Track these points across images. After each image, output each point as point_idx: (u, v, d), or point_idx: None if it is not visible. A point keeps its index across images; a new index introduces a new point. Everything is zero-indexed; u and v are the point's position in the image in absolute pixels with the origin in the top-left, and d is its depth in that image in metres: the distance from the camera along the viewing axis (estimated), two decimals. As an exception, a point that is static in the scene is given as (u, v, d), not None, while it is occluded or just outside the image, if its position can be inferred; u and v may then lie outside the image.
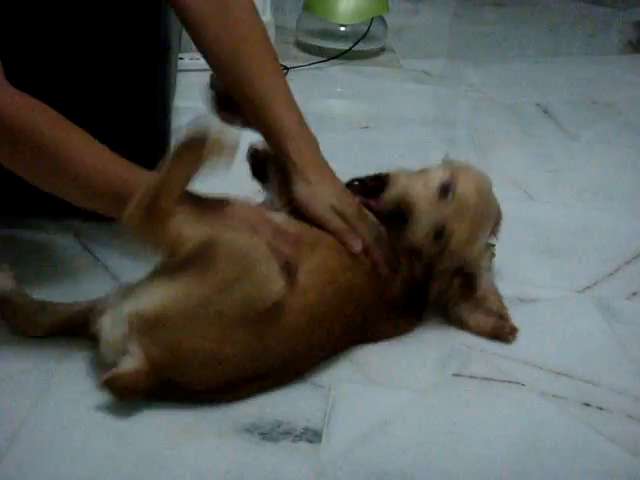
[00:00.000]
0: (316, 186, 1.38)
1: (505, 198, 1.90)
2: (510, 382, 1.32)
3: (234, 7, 1.41)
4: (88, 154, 1.22)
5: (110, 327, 1.20)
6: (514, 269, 1.63)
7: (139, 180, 1.18)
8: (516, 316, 1.48)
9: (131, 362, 1.17)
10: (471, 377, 1.33)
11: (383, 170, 1.46)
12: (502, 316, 1.43)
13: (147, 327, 1.17)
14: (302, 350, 1.26)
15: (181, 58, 2.32)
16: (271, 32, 2.72)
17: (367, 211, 1.41)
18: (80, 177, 1.21)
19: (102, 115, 1.52)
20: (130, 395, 1.19)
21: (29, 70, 1.42)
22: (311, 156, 1.41)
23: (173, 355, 1.17)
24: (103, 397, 1.22)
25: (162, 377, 1.18)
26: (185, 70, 2.31)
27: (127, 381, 1.17)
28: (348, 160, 1.78)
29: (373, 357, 1.36)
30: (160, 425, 1.19)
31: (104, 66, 1.51)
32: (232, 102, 1.42)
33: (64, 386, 1.25)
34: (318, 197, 1.37)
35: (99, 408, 1.21)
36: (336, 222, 1.35)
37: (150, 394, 1.20)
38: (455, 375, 1.33)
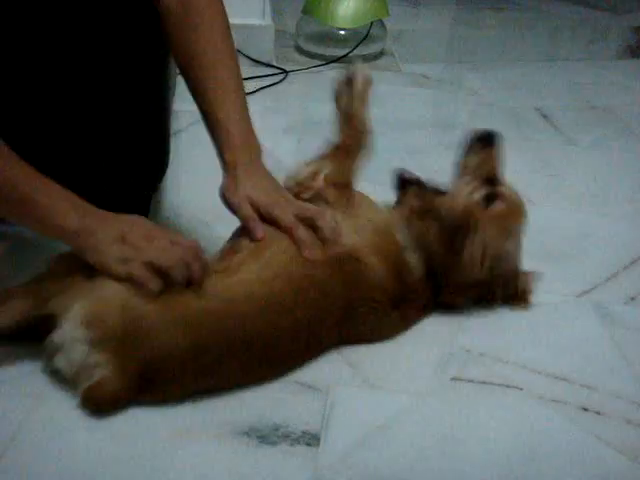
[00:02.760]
0: (238, 181, 1.39)
1: (504, 202, 1.91)
2: (508, 386, 1.32)
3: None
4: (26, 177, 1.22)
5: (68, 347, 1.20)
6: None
7: (58, 202, 1.22)
8: (514, 320, 1.49)
9: (101, 370, 1.18)
10: (469, 381, 1.33)
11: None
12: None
13: (107, 332, 1.18)
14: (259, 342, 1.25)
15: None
16: (270, 36, 2.72)
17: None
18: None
19: (101, 119, 1.52)
20: (111, 404, 1.19)
21: (25, 75, 1.42)
22: (248, 164, 1.42)
23: (139, 348, 1.18)
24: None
25: (134, 375, 1.18)
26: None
27: (105, 390, 1.18)
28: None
29: (372, 360, 1.36)
30: (158, 428, 1.19)
31: (103, 70, 1.50)
32: None
33: (62, 389, 1.25)
34: (236, 189, 1.39)
35: (97, 412, 1.21)
36: (245, 210, 1.37)
37: (128, 399, 1.20)
38: (453, 379, 1.33)
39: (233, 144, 1.41)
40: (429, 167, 2.06)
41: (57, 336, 1.20)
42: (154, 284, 1.22)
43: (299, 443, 1.18)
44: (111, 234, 1.24)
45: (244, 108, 1.46)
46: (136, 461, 1.13)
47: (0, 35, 1.40)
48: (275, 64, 2.69)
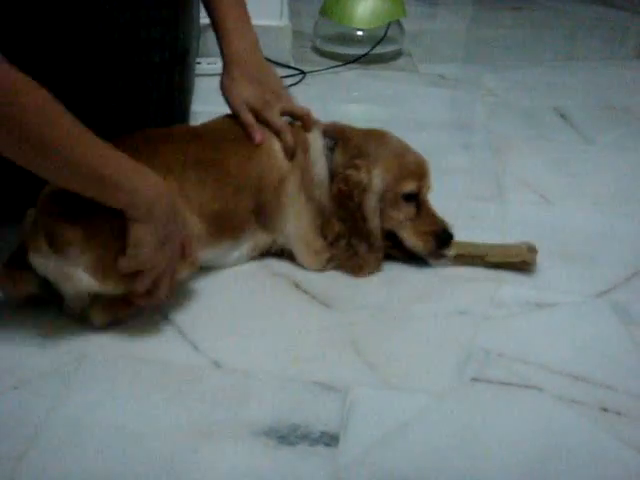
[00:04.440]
0: (236, 82, 1.60)
1: (521, 202, 1.91)
2: (527, 387, 1.31)
3: None
4: (75, 138, 1.22)
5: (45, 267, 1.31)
6: (531, 274, 1.62)
7: (121, 166, 1.27)
8: (533, 320, 1.48)
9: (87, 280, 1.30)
10: (489, 381, 1.32)
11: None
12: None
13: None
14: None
15: (198, 62, 2.33)
16: (288, 37, 2.72)
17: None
18: (66, 161, 1.22)
19: (121, 119, 1.52)
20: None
21: (41, 69, 1.43)
22: (242, 53, 1.62)
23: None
24: (121, 400, 1.23)
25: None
26: (202, 75, 2.32)
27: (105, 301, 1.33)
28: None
29: (390, 361, 1.36)
30: (177, 429, 1.19)
31: (123, 70, 1.51)
32: None
33: (82, 389, 1.25)
34: (234, 92, 1.60)
35: (116, 411, 1.21)
36: (244, 115, 1.57)
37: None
38: (473, 379, 1.32)
39: (228, 38, 1.61)
40: (447, 166, 2.06)
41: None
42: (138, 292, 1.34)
43: (318, 443, 1.18)
44: (161, 230, 1.30)
45: (241, 7, 1.65)
46: (155, 461, 1.13)
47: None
48: (293, 65, 2.69)
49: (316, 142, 1.60)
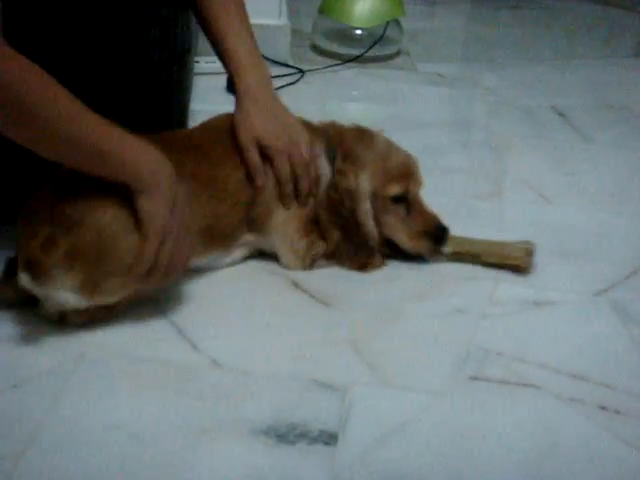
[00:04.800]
0: (248, 116, 1.53)
1: (520, 201, 1.91)
2: (526, 385, 1.31)
3: None
4: (74, 115, 1.24)
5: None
6: (534, 274, 1.62)
7: (122, 139, 1.29)
8: (532, 319, 1.48)
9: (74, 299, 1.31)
10: (487, 380, 1.32)
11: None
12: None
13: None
14: None
15: (197, 61, 2.32)
16: (287, 36, 2.72)
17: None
18: (67, 138, 1.24)
19: (119, 118, 1.52)
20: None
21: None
22: (256, 86, 1.55)
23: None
24: (120, 399, 1.23)
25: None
26: (201, 73, 2.32)
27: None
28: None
29: (388, 359, 1.36)
30: (176, 428, 1.19)
31: (122, 69, 1.51)
32: None
33: (81, 388, 1.25)
34: (244, 126, 1.52)
35: (115, 410, 1.21)
36: (252, 156, 1.51)
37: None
38: (471, 378, 1.33)
39: (242, 70, 1.55)
40: (446, 165, 2.06)
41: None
42: (140, 269, 1.32)
43: (317, 442, 1.18)
44: (170, 193, 1.31)
45: (251, 38, 1.59)
46: (154, 460, 1.13)
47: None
48: (291, 64, 2.69)
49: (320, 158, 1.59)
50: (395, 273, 1.60)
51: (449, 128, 2.36)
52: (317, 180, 1.57)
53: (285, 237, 1.57)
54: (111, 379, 1.28)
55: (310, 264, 1.59)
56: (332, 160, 1.59)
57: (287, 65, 2.67)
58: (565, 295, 1.55)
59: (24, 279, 1.27)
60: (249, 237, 1.56)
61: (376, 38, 2.81)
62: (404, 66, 2.84)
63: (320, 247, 1.58)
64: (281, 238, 1.57)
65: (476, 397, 1.29)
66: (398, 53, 2.91)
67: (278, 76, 2.52)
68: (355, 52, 2.81)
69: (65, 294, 1.29)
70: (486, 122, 2.40)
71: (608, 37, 3.43)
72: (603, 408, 1.28)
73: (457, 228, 1.64)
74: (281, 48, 2.70)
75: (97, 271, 1.30)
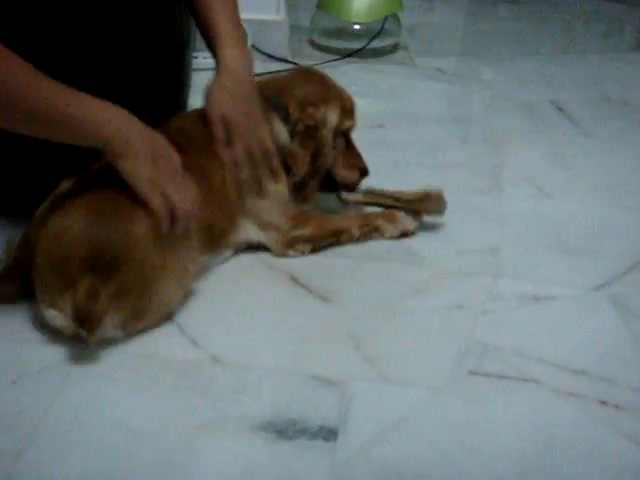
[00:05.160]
0: (222, 92, 1.54)
1: (519, 195, 1.91)
2: (526, 380, 1.31)
3: None
4: (38, 87, 1.26)
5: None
6: (529, 267, 1.62)
7: (85, 103, 1.30)
8: (531, 314, 1.48)
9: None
10: (486, 375, 1.32)
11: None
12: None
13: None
14: None
15: (195, 57, 2.32)
16: (285, 31, 2.72)
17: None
18: (30, 108, 1.26)
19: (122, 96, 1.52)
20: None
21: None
22: (232, 60, 1.55)
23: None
24: (119, 395, 1.23)
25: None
26: (199, 69, 2.31)
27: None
28: (365, 159, 1.78)
29: (388, 354, 1.36)
30: (176, 423, 1.19)
31: (119, 64, 1.50)
32: None
33: (81, 384, 1.25)
34: (215, 101, 1.55)
35: (115, 406, 1.21)
36: (219, 131, 1.53)
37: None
38: (471, 373, 1.32)
39: (221, 43, 1.56)
40: (444, 160, 2.06)
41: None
42: (165, 226, 1.34)
43: (316, 438, 1.18)
44: (146, 148, 1.33)
45: (234, 13, 1.60)
46: (154, 456, 1.13)
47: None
48: (290, 59, 2.68)
49: (275, 123, 1.63)
50: (393, 269, 1.60)
51: (448, 123, 2.35)
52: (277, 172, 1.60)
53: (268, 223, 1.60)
54: (110, 375, 1.28)
55: (292, 244, 1.61)
56: (285, 118, 1.63)
57: (286, 60, 2.66)
58: (564, 290, 1.55)
59: (72, 327, 1.27)
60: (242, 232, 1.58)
61: (375, 33, 2.81)
62: (403, 61, 2.83)
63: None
64: (264, 225, 1.60)
65: (475, 392, 1.29)
66: (396, 48, 2.90)
67: (277, 71, 2.52)
68: (354, 47, 2.80)
69: (111, 331, 1.30)
70: (485, 117, 2.40)
71: (607, 31, 3.42)
72: (603, 403, 1.28)
73: (456, 223, 1.64)
74: (279, 43, 2.70)
75: (142, 302, 1.31)
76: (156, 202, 1.32)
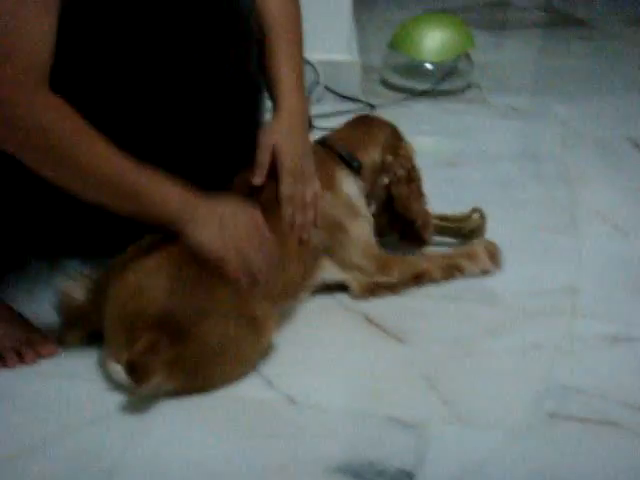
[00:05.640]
0: (279, 123, 1.54)
1: (596, 234, 1.88)
2: (608, 423, 1.29)
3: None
4: (108, 161, 1.28)
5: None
6: (608, 307, 1.60)
7: (161, 186, 1.31)
8: (611, 355, 1.45)
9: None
10: (567, 418, 1.30)
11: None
12: None
13: None
14: None
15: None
16: (357, 71, 2.73)
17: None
18: (96, 179, 1.28)
19: (199, 147, 1.54)
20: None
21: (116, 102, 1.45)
22: (290, 113, 1.55)
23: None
24: (196, 437, 1.23)
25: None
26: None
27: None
28: (436, 197, 1.77)
29: (464, 396, 1.34)
30: (253, 464, 1.19)
31: (198, 105, 1.52)
32: None
33: (158, 425, 1.26)
34: (271, 131, 1.53)
35: (192, 447, 1.22)
36: (263, 156, 1.51)
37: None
38: (550, 415, 1.30)
39: (284, 97, 1.56)
40: (518, 198, 2.04)
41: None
42: (244, 281, 1.33)
43: (394, 480, 1.17)
44: (213, 214, 1.33)
45: (300, 78, 1.60)
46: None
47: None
48: (362, 99, 2.70)
49: (344, 177, 1.63)
50: (470, 308, 1.58)
51: (521, 161, 2.34)
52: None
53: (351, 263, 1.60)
54: (187, 416, 1.28)
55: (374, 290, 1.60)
56: (358, 170, 1.65)
57: (358, 100, 2.68)
58: (645, 330, 1.52)
59: (121, 377, 1.27)
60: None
61: (446, 71, 2.81)
62: (475, 99, 2.82)
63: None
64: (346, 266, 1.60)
65: (556, 435, 1.26)
66: (469, 86, 2.90)
67: (349, 111, 2.53)
68: (425, 86, 2.80)
69: (161, 391, 1.29)
70: (559, 154, 2.37)
71: (682, 67, 3.38)
72: (688, 447, 1.24)
73: (532, 262, 1.61)
74: (351, 83, 2.71)
75: (197, 379, 1.31)
76: (232, 264, 1.32)
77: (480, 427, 1.28)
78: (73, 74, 1.38)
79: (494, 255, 1.69)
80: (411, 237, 1.70)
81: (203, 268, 1.32)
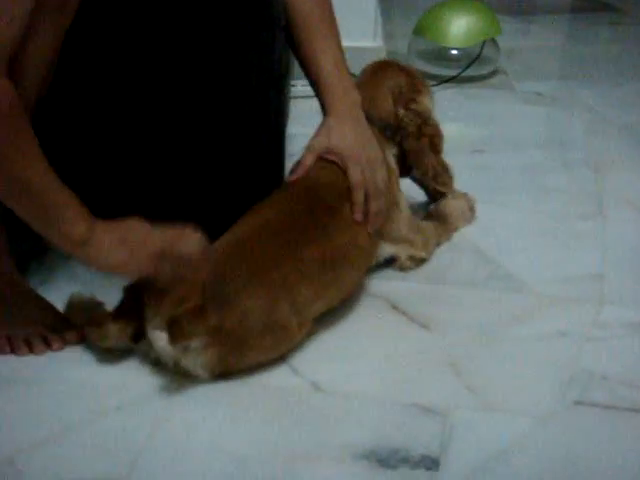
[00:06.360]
0: (329, 131, 1.54)
1: (623, 220, 1.87)
2: (635, 410, 1.28)
3: None
4: (37, 174, 1.22)
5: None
6: (635, 294, 1.59)
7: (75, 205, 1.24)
8: (638, 342, 1.44)
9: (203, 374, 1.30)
10: (592, 405, 1.29)
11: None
12: None
13: None
14: None
15: (293, 85, 2.34)
16: (382, 58, 2.72)
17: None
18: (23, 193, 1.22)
19: (216, 143, 1.54)
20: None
21: (139, 97, 1.46)
22: (342, 108, 1.55)
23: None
24: (221, 422, 1.24)
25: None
26: (298, 97, 2.33)
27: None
28: (463, 183, 1.77)
29: (489, 383, 1.34)
30: (277, 451, 1.19)
31: (219, 93, 1.52)
32: None
33: (183, 410, 1.27)
34: (321, 137, 1.54)
35: (216, 433, 1.22)
36: (307, 158, 1.53)
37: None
38: (576, 402, 1.30)
39: (331, 94, 1.55)
40: (545, 185, 2.03)
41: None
42: (164, 271, 1.28)
43: (419, 467, 1.16)
44: (113, 239, 1.26)
45: (342, 61, 1.59)
46: (256, 483, 1.14)
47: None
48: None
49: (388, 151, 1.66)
50: (495, 295, 1.58)
51: (548, 147, 2.32)
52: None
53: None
54: (212, 401, 1.29)
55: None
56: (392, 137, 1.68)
57: (382, 87, 2.67)
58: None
59: (159, 337, 1.26)
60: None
61: (472, 57, 2.79)
62: (501, 85, 2.81)
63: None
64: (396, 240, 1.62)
65: (581, 422, 1.26)
66: (495, 72, 2.88)
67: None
68: (451, 72, 2.79)
69: (195, 367, 1.28)
70: (586, 140, 2.36)
71: None
72: None
73: (558, 248, 1.60)
74: (376, 70, 2.70)
75: (232, 357, 1.31)
76: (161, 276, 1.29)
77: (505, 414, 1.27)
78: (87, 73, 1.40)
79: (473, 207, 1.80)
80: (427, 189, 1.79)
81: (258, 248, 1.35)
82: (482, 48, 2.80)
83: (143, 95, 1.47)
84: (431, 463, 1.17)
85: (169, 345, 1.25)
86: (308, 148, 1.55)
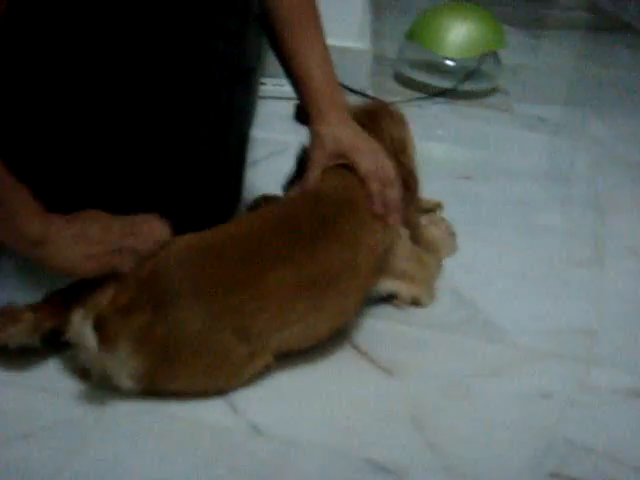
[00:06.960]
0: (332, 132, 1.60)
1: (623, 272, 1.89)
2: (617, 489, 1.30)
3: None
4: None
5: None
6: (629, 355, 1.61)
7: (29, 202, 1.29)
8: (628, 412, 1.46)
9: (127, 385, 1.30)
10: (571, 479, 1.30)
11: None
12: None
13: None
14: None
15: (263, 83, 2.34)
16: (367, 62, 2.74)
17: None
18: None
19: (169, 141, 1.54)
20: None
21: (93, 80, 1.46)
22: (333, 115, 1.62)
23: None
24: (143, 461, 1.23)
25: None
26: (267, 97, 2.34)
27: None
28: (444, 212, 1.78)
29: (455, 442, 1.35)
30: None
31: (179, 86, 1.53)
32: None
33: (100, 443, 1.26)
34: (328, 141, 1.59)
35: (139, 473, 1.21)
36: (313, 178, 1.58)
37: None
38: (552, 475, 1.30)
39: (319, 96, 1.63)
40: (539, 223, 2.05)
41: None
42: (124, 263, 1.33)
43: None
44: (70, 236, 1.31)
45: (328, 63, 1.67)
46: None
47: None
48: (370, 94, 2.70)
49: None
50: (470, 343, 1.59)
51: (547, 181, 2.35)
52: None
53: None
54: (136, 436, 1.28)
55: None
56: None
57: (365, 95, 2.68)
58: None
59: (88, 337, 1.25)
60: None
61: (469, 71, 2.82)
62: (499, 106, 2.84)
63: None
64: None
65: (554, 498, 1.27)
66: (494, 90, 2.91)
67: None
68: (444, 84, 2.82)
69: (120, 375, 1.29)
70: (590, 177, 2.39)
71: None
72: None
73: (547, 297, 1.62)
74: (360, 75, 2.72)
75: (161, 370, 1.31)
76: (123, 266, 1.33)
77: (469, 480, 1.29)
78: (61, 58, 1.42)
79: (454, 233, 1.84)
80: None
81: (221, 259, 1.36)
82: (481, 62, 2.83)
83: (92, 83, 1.47)
84: (381, 528, 1.18)
85: (95, 345, 1.25)
86: (311, 162, 1.60)
